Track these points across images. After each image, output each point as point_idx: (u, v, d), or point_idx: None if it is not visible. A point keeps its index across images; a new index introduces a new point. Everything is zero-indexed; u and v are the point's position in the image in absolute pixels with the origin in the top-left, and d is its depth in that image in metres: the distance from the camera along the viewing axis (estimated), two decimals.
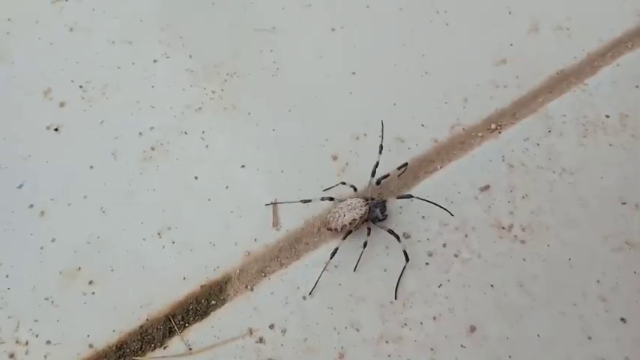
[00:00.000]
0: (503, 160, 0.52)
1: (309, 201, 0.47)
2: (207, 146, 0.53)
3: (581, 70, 0.59)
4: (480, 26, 0.62)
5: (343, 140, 0.53)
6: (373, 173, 0.47)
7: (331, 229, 0.45)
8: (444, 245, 0.47)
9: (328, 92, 0.57)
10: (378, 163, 0.47)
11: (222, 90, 0.57)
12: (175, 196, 0.50)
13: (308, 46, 0.61)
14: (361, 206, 0.45)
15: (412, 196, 0.46)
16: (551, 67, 0.58)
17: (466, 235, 0.47)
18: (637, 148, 0.52)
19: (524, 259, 0.46)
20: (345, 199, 0.46)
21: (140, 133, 0.54)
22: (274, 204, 0.49)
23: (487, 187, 0.50)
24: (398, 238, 0.44)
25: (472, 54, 0.60)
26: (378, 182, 0.47)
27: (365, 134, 0.53)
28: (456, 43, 0.60)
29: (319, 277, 0.45)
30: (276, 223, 0.48)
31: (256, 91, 0.57)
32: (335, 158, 0.52)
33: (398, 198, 0.46)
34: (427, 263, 0.46)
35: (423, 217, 0.48)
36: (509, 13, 0.63)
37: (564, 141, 0.53)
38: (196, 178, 0.51)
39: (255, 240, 0.47)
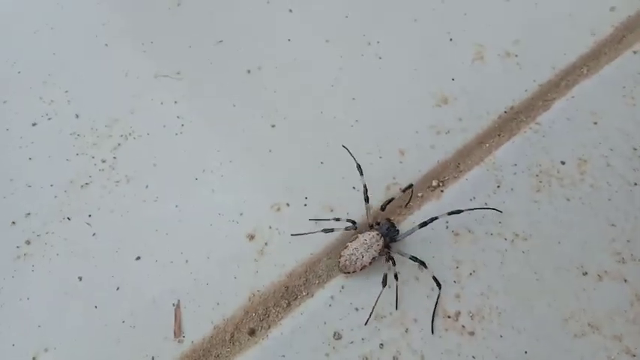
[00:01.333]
0: (447, 228, 0.44)
1: (332, 230, 0.42)
2: (94, 234, 0.44)
3: (532, 105, 0.51)
4: (418, 58, 0.54)
5: (261, 213, 0.45)
6: (366, 199, 0.43)
7: (349, 273, 0.41)
8: (381, 346, 0.39)
9: (242, 152, 0.48)
10: (366, 187, 0.43)
11: (115, 158, 0.48)
12: (55, 304, 0.41)
13: (223, 94, 0.52)
14: (377, 241, 0.41)
15: (437, 217, 0.42)
16: (498, 103, 0.51)
17: (406, 330, 0.40)
18: (597, 202, 0.45)
19: (473, 357, 0.39)
20: (356, 237, 0.42)
21: (13, 223, 0.44)
22: (177, 307, 0.40)
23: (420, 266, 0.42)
24: (424, 264, 0.41)
25: (409, 93, 0.52)
26: (383, 208, 0.44)
27: (287, 204, 0.45)
28: (391, 81, 0.52)
29: (373, 308, 0.40)
30: (178, 333, 0.40)
31: (156, 155, 0.48)
32: (251, 237, 0.44)
33: (420, 227, 0.42)
34: None
35: (357, 308, 0.41)
36: (451, 40, 0.55)
37: (515, 198, 0.46)
38: (80, 278, 0.42)
39: (152, 359, 0.39)
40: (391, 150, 0.48)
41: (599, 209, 0.45)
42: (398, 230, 0.42)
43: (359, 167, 0.44)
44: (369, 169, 0.47)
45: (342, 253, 0.41)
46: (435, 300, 0.41)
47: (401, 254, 0.42)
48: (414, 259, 0.41)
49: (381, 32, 0.55)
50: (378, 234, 0.41)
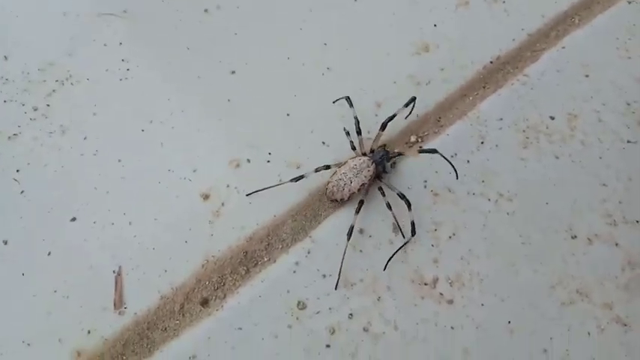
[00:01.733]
0: (426, 187, 0.40)
1: (302, 177, 0.38)
2: (22, 192, 0.38)
3: (520, 56, 0.47)
4: (397, 1, 0.48)
5: (218, 170, 0.39)
6: (358, 131, 0.40)
7: (337, 200, 0.38)
8: (350, 316, 0.35)
9: (196, 101, 0.42)
10: (357, 119, 0.40)
11: (48, 105, 0.41)
12: None
13: (176, 35, 0.45)
14: (368, 166, 0.38)
15: (437, 151, 0.38)
16: (484, 53, 0.46)
17: (379, 299, 0.36)
18: (588, 160, 0.42)
19: (452, 328, 0.35)
20: (345, 162, 0.38)
21: None
22: (117, 275, 0.35)
23: (404, 226, 0.38)
24: (409, 205, 0.37)
25: (387, 39, 0.46)
26: (384, 127, 0.39)
27: (248, 160, 0.40)
28: (367, 25, 0.47)
29: (340, 269, 0.36)
30: (119, 304, 0.34)
31: (97, 104, 0.42)
32: (206, 197, 0.38)
33: (420, 152, 0.39)
34: (328, 345, 0.34)
35: (324, 275, 0.36)
36: None
37: (501, 155, 0.41)
38: (5, 242, 0.36)
39: (89, 332, 0.34)
40: (366, 102, 0.43)
41: (589, 168, 0.41)
42: (389, 154, 0.39)
43: (348, 99, 0.40)
44: (342, 123, 0.42)
45: (329, 179, 0.38)
46: (401, 245, 0.37)
47: (390, 187, 0.38)
48: (401, 195, 0.37)
49: None
50: (369, 159, 0.38)
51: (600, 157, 0.42)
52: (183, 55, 0.44)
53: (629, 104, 0.45)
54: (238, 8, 0.47)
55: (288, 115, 0.42)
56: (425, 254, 0.37)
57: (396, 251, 0.37)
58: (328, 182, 0.38)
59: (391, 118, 0.39)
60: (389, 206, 0.37)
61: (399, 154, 0.40)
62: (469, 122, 0.43)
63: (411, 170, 0.40)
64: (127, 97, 0.42)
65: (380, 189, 0.38)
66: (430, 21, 0.47)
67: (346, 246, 0.36)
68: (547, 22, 0.49)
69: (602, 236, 0.39)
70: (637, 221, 0.39)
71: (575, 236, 0.39)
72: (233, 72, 0.43)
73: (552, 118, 0.44)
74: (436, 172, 0.40)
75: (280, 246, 0.37)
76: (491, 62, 0.46)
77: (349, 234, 0.36)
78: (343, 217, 0.38)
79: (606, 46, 0.48)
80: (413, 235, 0.37)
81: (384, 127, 0.39)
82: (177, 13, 0.46)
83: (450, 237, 0.38)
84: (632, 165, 0.42)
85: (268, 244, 0.37)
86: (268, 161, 0.40)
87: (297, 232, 0.38)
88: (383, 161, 0.39)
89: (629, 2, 0.51)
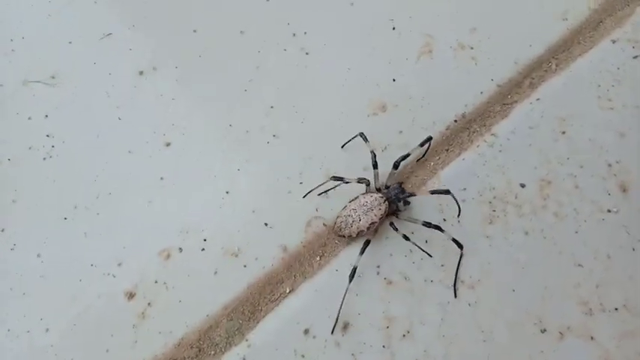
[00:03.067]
0: (379, 273, 0.36)
1: (342, 179, 0.37)
2: None
3: (488, 111, 0.42)
4: (353, 54, 0.44)
5: (145, 262, 0.36)
6: (374, 164, 0.37)
7: (344, 236, 0.35)
8: None
9: (123, 183, 0.38)
10: (373, 153, 0.37)
11: None
12: None
13: (106, 105, 0.41)
14: (380, 204, 0.35)
15: (449, 192, 0.36)
16: (448, 110, 0.42)
17: None
18: (562, 235, 0.37)
19: None
20: (356, 198, 0.36)
21: None
22: None
23: (346, 325, 0.34)
24: (439, 228, 0.35)
25: (339, 99, 0.42)
26: (396, 166, 0.37)
27: (180, 248, 0.36)
28: (319, 83, 0.43)
29: (340, 309, 0.34)
30: None
31: (17, 188, 0.38)
32: (131, 296, 0.35)
33: (432, 193, 0.36)
34: None
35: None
36: (394, 29, 0.45)
37: (463, 233, 0.37)
38: None
39: None
40: (316, 172, 0.39)
41: (563, 245, 0.37)
42: (405, 191, 0.37)
43: (362, 135, 0.38)
44: (288, 200, 0.38)
45: (339, 214, 0.36)
46: (457, 262, 0.36)
47: (411, 221, 0.36)
48: (427, 224, 0.35)
49: (309, 21, 0.45)
50: (381, 196, 0.36)
51: (576, 232, 0.37)
52: (114, 126, 0.40)
53: (610, 165, 0.40)
54: (177, 68, 0.43)
55: (227, 192, 0.38)
56: (376, 358, 0.34)
57: (458, 268, 0.36)
58: (337, 216, 0.36)
59: (404, 158, 0.37)
60: (406, 238, 0.35)
61: (412, 194, 0.37)
62: (427, 194, 0.39)
63: (364, 254, 0.36)
64: (50, 179, 0.38)
65: (392, 224, 0.36)
66: (388, 75, 0.43)
67: (346, 290, 0.34)
68: (520, 69, 0.44)
69: (575, 329, 0.34)
70: (616, 309, 0.35)
71: (545, 330, 0.34)
72: (168, 144, 0.40)
73: (522, 185, 0.39)
74: (390, 254, 0.36)
75: (213, 352, 0.34)
76: (455, 121, 0.41)
77: (351, 276, 0.34)
78: (286, 313, 0.35)
79: (586, 95, 0.43)
80: (462, 248, 0.36)
81: (396, 166, 0.37)
82: (109, 77, 0.42)
83: (403, 335, 0.34)
84: (612, 240, 0.37)
85: (199, 351, 0.34)
86: (203, 249, 0.36)
87: (232, 335, 0.34)
88: (397, 199, 0.36)
89: (614, 42, 0.46)
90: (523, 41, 0.45)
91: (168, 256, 0.36)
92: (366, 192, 0.37)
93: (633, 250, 0.37)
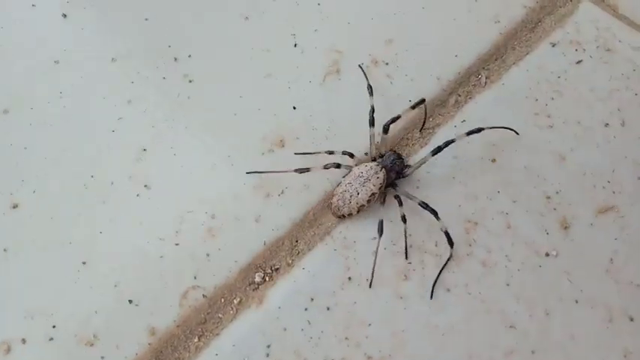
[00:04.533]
0: (268, 356, 0.30)
1: (308, 170, 0.33)
2: None
3: (405, 139, 0.36)
4: (245, 76, 0.37)
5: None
6: (372, 121, 0.34)
7: (344, 216, 0.32)
8: None
9: None
10: (373, 108, 0.34)
11: None
12: None
13: None
14: (376, 173, 0.33)
15: (483, 129, 0.33)
16: (358, 140, 0.35)
17: None
18: (491, 289, 0.31)
19: None
20: (350, 169, 0.33)
21: None
22: None
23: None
24: (435, 214, 0.32)
25: (228, 135, 0.35)
26: (386, 130, 0.34)
27: (23, 339, 0.30)
28: (201, 117, 0.36)
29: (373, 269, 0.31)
30: None
31: None
32: None
33: (468, 134, 0.33)
34: None
35: None
36: (296, 46, 0.38)
37: (372, 294, 0.31)
38: None
39: None
40: (197, 229, 0.32)
41: (492, 302, 0.31)
42: (404, 161, 0.34)
43: (370, 87, 0.35)
44: (160, 264, 0.31)
45: (334, 192, 0.33)
46: (443, 264, 0.32)
47: (409, 197, 0.33)
48: (424, 205, 0.32)
49: (195, 41, 0.38)
50: (377, 164, 0.33)
51: (507, 284, 0.31)
52: None
53: (549, 197, 0.34)
54: (32, 109, 0.36)
55: (84, 263, 0.31)
56: None
57: (442, 269, 0.32)
58: (332, 195, 0.33)
59: (394, 120, 0.34)
60: (404, 219, 0.32)
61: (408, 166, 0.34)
62: (333, 246, 0.32)
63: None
64: None
65: (397, 197, 0.32)
66: (288, 102, 0.36)
67: (378, 242, 0.31)
68: (444, 85, 0.38)
69: None
70: None
71: None
72: (15, 206, 0.33)
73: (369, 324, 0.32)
74: (284, 329, 0.30)
75: None
76: (366, 154, 0.35)
77: (380, 230, 0.31)
78: None
79: (522, 112, 0.37)
80: (452, 246, 0.32)
81: (386, 130, 0.34)
82: None
83: None
84: (551, 292, 0.31)
85: None
86: (51, 338, 0.29)
87: None
88: (395, 165, 0.33)
89: (554, 45, 0.40)
90: (447, 51, 0.38)
91: (9, 349, 0.29)
92: (360, 163, 0.33)
93: (576, 302, 0.31)
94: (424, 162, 0.33)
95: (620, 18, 0.41)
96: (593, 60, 0.39)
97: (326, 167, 0.33)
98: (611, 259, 0.32)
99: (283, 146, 0.35)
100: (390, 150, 0.35)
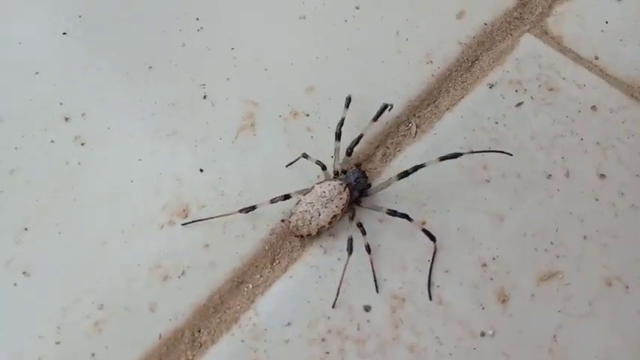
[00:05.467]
0: None
1: (254, 208, 0.30)
2: None
3: None
4: (146, 135, 0.33)
5: None
6: (338, 135, 0.32)
7: (302, 236, 0.30)
8: None
9: None
10: (343, 121, 0.32)
11: None
12: None
13: None
14: (340, 193, 0.31)
15: (461, 154, 0.30)
16: (272, 215, 0.31)
17: None
18: None
19: None
20: (311, 188, 0.31)
21: None
22: None
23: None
24: (406, 217, 0.30)
25: (127, 206, 0.31)
26: (350, 152, 0.32)
27: None
28: (98, 190, 0.32)
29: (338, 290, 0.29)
30: None
31: None
32: None
33: (441, 159, 0.31)
34: None
35: None
36: (205, 98, 0.34)
37: None
38: None
39: None
40: (83, 321, 0.28)
41: None
42: (368, 180, 0.32)
43: (348, 99, 0.33)
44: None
45: (293, 211, 0.30)
46: (431, 260, 0.30)
47: (374, 209, 0.31)
48: (392, 212, 0.30)
49: (89, 97, 0.34)
50: (340, 184, 0.31)
51: None
52: None
53: (485, 265, 0.30)
54: None
55: None
56: None
57: (431, 266, 0.30)
58: (291, 214, 0.30)
59: (357, 142, 0.32)
60: (368, 249, 0.29)
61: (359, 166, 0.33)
62: (240, 336, 0.28)
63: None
64: None
65: (359, 225, 0.30)
66: (194, 164, 0.32)
67: (347, 260, 0.29)
68: (370, 137, 0.34)
69: None
70: None
71: None
72: None
73: (367, 308, 0.29)
74: None
75: None
76: (282, 221, 0.31)
77: (349, 248, 0.29)
78: None
79: (455, 163, 0.33)
80: (435, 241, 0.30)
81: (349, 152, 0.32)
82: None
83: None
84: None
85: None
86: None
87: None
88: (359, 184, 0.31)
89: (491, 86, 0.36)
90: (374, 99, 0.35)
91: None
92: (322, 180, 0.31)
93: None
94: (389, 184, 0.31)
95: (564, 52, 0.38)
96: (534, 101, 0.36)
97: (273, 201, 0.30)
98: (555, 337, 0.28)
99: (186, 216, 0.31)
100: (355, 166, 0.33)
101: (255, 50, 0.36)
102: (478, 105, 0.35)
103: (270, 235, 0.31)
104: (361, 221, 0.30)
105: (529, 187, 0.32)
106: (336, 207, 0.30)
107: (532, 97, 0.36)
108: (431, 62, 0.36)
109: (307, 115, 0.34)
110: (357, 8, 0.39)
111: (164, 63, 0.36)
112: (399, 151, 0.34)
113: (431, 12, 0.39)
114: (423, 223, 0.31)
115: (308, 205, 0.30)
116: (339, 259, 0.30)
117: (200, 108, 0.34)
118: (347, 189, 0.31)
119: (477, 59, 0.37)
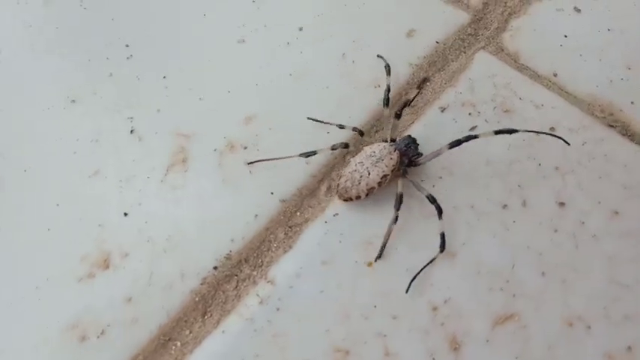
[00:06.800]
0: None
1: (314, 153, 0.30)
2: None
3: (262, 253, 0.29)
4: (63, 176, 0.30)
5: None
6: (386, 101, 0.32)
7: (351, 199, 0.29)
8: None
9: None
10: (389, 87, 0.32)
11: None
12: None
13: None
14: (390, 153, 0.30)
15: (517, 130, 0.30)
16: (206, 254, 0.28)
17: None
18: None
19: None
20: (362, 149, 0.31)
21: None
22: None
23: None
24: (440, 211, 0.29)
25: (40, 258, 0.28)
26: (398, 115, 0.31)
27: None
28: (9, 244, 0.29)
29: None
30: None
31: None
32: None
33: (497, 133, 0.30)
34: None
35: None
36: (132, 132, 0.32)
37: None
38: None
39: None
40: None
41: None
42: (417, 144, 0.31)
43: (387, 67, 0.33)
44: None
45: (341, 173, 0.30)
46: (428, 262, 0.28)
47: (417, 187, 0.30)
48: (431, 199, 0.29)
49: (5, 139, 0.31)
50: (391, 145, 0.30)
51: None
52: None
53: (435, 309, 0.28)
54: None
55: None
56: None
57: (425, 266, 0.28)
58: (340, 176, 0.30)
59: (406, 104, 0.31)
60: (399, 200, 0.29)
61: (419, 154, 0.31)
62: None
63: None
64: None
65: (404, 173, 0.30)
66: (118, 207, 0.30)
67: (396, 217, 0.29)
68: (314, 170, 0.31)
69: None
70: None
71: None
72: None
73: None
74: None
75: None
76: (215, 268, 0.28)
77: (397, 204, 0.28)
78: None
79: (404, 194, 0.31)
80: (442, 251, 0.29)
81: (398, 115, 0.31)
82: None
83: None
84: None
85: None
86: None
87: None
88: (409, 149, 0.30)
89: (443, 110, 0.34)
90: (317, 126, 0.32)
91: None
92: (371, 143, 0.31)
93: None
94: (439, 154, 0.30)
95: (521, 69, 0.36)
96: (489, 125, 0.33)
97: (334, 148, 0.30)
98: None
99: (107, 267, 0.28)
100: (406, 135, 0.32)
101: (189, 78, 0.34)
102: (428, 130, 0.33)
103: (202, 284, 0.28)
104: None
105: (483, 219, 0.30)
106: (386, 166, 0.29)
107: (486, 121, 0.34)
108: (379, 86, 0.34)
109: (245, 148, 0.32)
110: (301, 29, 0.36)
111: (88, 95, 0.33)
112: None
113: (379, 31, 0.37)
114: (369, 264, 0.29)
115: (358, 164, 0.29)
116: (277, 309, 0.27)
117: (126, 144, 0.31)
118: (397, 151, 0.30)
119: (427, 80, 0.35)
